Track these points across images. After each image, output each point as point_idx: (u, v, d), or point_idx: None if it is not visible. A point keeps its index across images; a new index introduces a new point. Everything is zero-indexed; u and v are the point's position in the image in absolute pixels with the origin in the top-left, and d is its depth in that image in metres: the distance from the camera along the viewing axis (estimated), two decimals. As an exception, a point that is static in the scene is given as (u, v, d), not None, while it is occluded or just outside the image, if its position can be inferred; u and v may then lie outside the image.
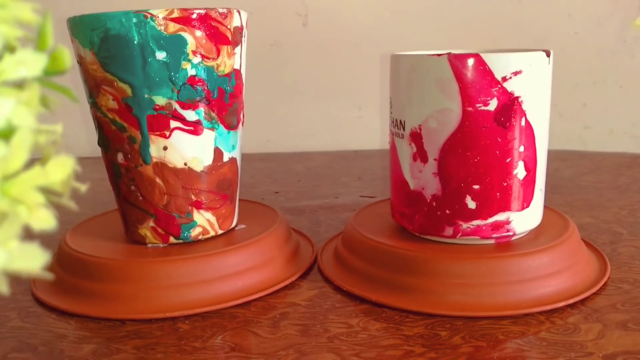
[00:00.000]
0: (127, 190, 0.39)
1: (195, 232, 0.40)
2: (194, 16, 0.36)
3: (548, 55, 0.37)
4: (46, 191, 0.14)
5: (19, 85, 0.14)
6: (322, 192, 0.63)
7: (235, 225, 0.43)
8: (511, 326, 0.33)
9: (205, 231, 0.40)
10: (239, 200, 0.44)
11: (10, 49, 0.14)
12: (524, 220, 0.38)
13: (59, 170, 0.15)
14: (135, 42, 0.35)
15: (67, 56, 0.15)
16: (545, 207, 0.42)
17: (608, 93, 0.85)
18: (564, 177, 0.66)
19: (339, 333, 0.33)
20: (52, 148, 0.15)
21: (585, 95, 0.86)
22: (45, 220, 0.14)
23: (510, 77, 0.35)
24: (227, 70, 0.39)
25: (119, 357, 0.31)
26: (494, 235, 0.38)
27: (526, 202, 0.38)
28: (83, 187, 0.16)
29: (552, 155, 0.73)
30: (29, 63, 0.14)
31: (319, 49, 0.87)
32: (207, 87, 0.38)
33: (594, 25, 0.83)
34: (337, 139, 0.88)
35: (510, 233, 0.38)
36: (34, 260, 0.13)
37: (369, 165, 0.76)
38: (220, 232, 0.41)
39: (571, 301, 0.35)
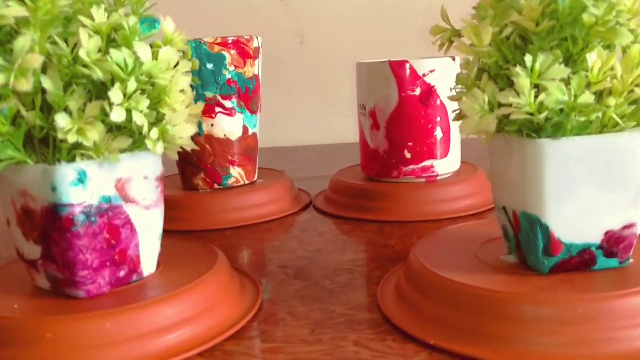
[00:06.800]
0: (186, 153, 0.60)
1: (231, 181, 0.61)
2: (230, 41, 0.57)
3: (454, 59, 0.58)
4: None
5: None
6: (316, 170, 0.84)
7: (257, 179, 0.64)
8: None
9: (237, 181, 0.61)
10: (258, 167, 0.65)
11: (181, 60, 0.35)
12: (444, 165, 0.59)
13: (196, 109, 0.36)
14: (194, 57, 0.57)
15: (196, 64, 0.37)
16: (465, 162, 0.63)
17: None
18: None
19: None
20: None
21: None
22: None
23: (428, 74, 0.56)
24: (250, 75, 0.60)
25: None
26: (424, 175, 0.58)
27: (444, 153, 0.59)
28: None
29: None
30: (186, 65, 0.35)
31: (312, 62, 1.09)
32: (238, 85, 0.59)
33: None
34: (330, 134, 1.10)
35: (435, 174, 0.59)
36: (189, 132, 0.34)
37: (355, 152, 0.97)
38: (247, 182, 0.62)
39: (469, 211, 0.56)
